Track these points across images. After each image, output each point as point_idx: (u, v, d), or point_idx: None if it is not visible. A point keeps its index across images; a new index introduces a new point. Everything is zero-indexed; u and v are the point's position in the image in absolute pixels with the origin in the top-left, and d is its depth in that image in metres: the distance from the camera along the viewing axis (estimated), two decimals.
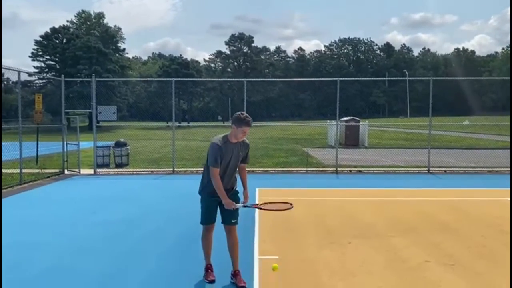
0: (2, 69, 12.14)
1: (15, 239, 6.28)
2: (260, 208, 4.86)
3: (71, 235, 6.55)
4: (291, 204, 4.74)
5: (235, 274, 4.65)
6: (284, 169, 14.73)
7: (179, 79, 37.53)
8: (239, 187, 4.85)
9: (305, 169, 14.57)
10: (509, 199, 9.24)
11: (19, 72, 12.22)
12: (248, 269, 4.98)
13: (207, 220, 4.76)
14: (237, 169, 4.77)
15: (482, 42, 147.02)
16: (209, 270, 4.80)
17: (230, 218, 4.66)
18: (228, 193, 4.63)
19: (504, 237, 6.40)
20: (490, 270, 5.07)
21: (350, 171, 14.21)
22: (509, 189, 10.25)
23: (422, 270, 5.03)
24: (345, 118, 25.81)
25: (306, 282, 4.72)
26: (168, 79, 16.83)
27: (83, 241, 6.25)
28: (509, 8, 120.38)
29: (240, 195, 4.83)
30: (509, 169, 13.89)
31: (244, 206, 4.73)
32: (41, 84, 59.84)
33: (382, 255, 5.58)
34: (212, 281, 4.67)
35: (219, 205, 4.70)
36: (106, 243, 6.13)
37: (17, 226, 7.11)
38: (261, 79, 65.23)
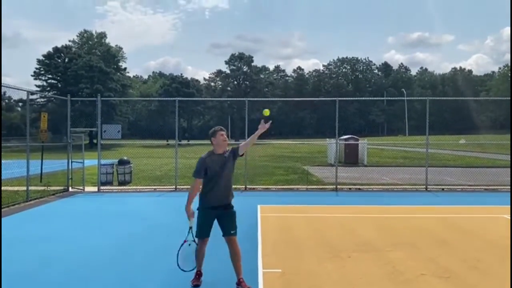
0: (5, 87, 12.43)
1: (25, 254, 6.52)
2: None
3: (79, 250, 6.77)
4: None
5: (239, 283, 4.91)
6: (284, 186, 14.98)
7: (182, 98, 37.97)
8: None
9: (305, 186, 14.82)
10: (505, 216, 9.52)
11: (28, 92, 12.55)
12: (253, 282, 5.20)
13: (202, 233, 5.00)
14: (231, 185, 5.03)
15: (479, 62, 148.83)
16: (197, 276, 5.09)
17: (229, 229, 4.94)
18: (225, 210, 4.91)
19: (498, 251, 6.65)
20: (483, 282, 5.31)
21: (350, 188, 14.46)
22: (505, 206, 10.53)
23: (419, 282, 5.28)
24: (345, 137, 26.17)
25: None
26: (171, 98, 17.21)
27: (90, 256, 6.47)
28: (506, 28, 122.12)
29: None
30: (506, 186, 14.18)
31: (190, 228, 5.03)
32: (42, 103, 60.34)
33: (380, 268, 5.82)
34: (196, 286, 4.98)
35: (217, 219, 4.97)
36: (113, 259, 6.35)
37: (26, 241, 7.34)
38: (262, 99, 65.81)
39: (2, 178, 14.80)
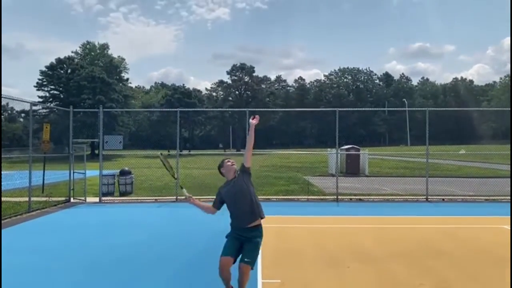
0: (8, 98, 12.53)
1: (28, 264, 6.58)
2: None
3: (82, 260, 6.82)
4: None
5: None
6: (285, 197, 15.01)
7: (184, 109, 38.19)
8: None
9: (306, 197, 14.86)
10: (505, 226, 9.54)
11: (30, 103, 12.67)
12: None
13: (224, 251, 4.94)
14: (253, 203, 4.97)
15: (481, 72, 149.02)
16: None
17: (244, 256, 4.81)
18: (251, 233, 4.90)
19: (497, 262, 6.68)
20: None
21: (351, 199, 14.49)
22: (505, 216, 10.55)
23: None
24: (346, 147, 26.22)
25: None
26: (173, 109, 17.35)
27: (93, 265, 6.53)
28: (507, 39, 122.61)
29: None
30: (506, 197, 14.19)
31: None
32: (44, 114, 60.60)
33: (379, 278, 5.86)
34: None
35: (243, 244, 4.91)
36: (116, 268, 6.42)
37: (29, 252, 7.40)
38: (263, 109, 66.15)
39: (4, 189, 14.92)
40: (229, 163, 5.10)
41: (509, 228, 9.23)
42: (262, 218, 5.02)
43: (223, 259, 4.85)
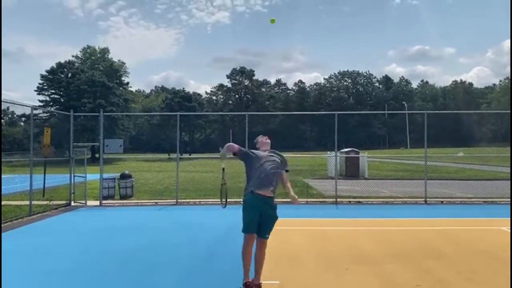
0: (8, 103, 12.62)
1: (30, 268, 6.65)
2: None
3: (84, 263, 6.88)
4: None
5: (259, 286, 5.21)
6: (284, 199, 15.03)
7: (184, 113, 38.29)
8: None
9: (305, 199, 14.92)
10: (503, 228, 9.61)
11: (31, 107, 12.76)
12: None
13: (248, 228, 5.18)
14: (278, 181, 5.38)
15: (480, 74, 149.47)
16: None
17: (265, 232, 5.17)
18: (266, 200, 5.22)
19: (495, 263, 6.75)
20: None
21: (350, 201, 14.55)
22: (504, 218, 10.63)
23: None
24: (345, 150, 26.30)
25: None
26: (174, 113, 17.47)
27: (95, 269, 6.59)
28: (506, 41, 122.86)
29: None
30: (505, 199, 14.27)
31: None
32: (45, 118, 60.75)
33: (377, 279, 5.93)
34: None
35: (260, 217, 5.17)
36: (118, 271, 6.48)
37: (31, 255, 7.47)
38: (263, 113, 66.33)
39: (5, 192, 15.00)
40: (263, 139, 5.64)
41: (508, 229, 9.30)
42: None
43: (251, 237, 5.17)
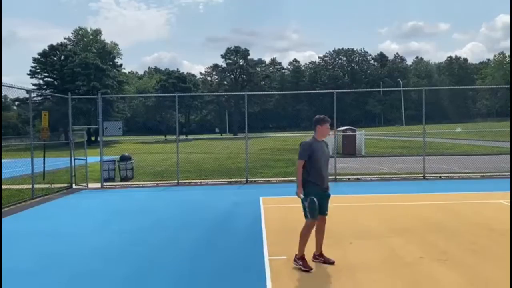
0: (6, 86, 12.49)
1: (37, 249, 6.74)
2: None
3: (88, 245, 6.98)
4: None
5: (320, 255, 5.73)
6: (284, 178, 15.20)
7: (182, 94, 38.16)
8: None
9: None
10: (501, 201, 9.78)
11: (28, 91, 12.66)
12: (260, 268, 5.46)
13: (320, 210, 5.63)
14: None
15: (474, 50, 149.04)
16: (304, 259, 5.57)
17: (325, 210, 5.66)
18: (326, 192, 5.67)
19: (494, 234, 6.92)
20: (479, 264, 5.56)
21: (349, 179, 14.70)
22: (501, 192, 10.81)
23: (417, 265, 5.53)
24: (342, 128, 26.38)
25: (313, 277, 5.22)
26: (171, 94, 17.37)
27: (102, 249, 6.69)
28: (500, 16, 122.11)
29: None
30: (502, 173, 14.46)
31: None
32: (39, 101, 60.25)
33: (380, 253, 6.07)
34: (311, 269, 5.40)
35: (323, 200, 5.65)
36: (122, 251, 6.57)
37: (36, 237, 7.56)
38: (261, 92, 66.05)
39: (5, 177, 15.04)
40: (329, 128, 5.65)
41: (507, 202, 9.48)
42: None
43: (321, 218, 5.69)
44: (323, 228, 5.73)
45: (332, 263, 5.57)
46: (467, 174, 15.07)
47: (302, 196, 5.56)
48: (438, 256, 5.84)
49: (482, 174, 14.80)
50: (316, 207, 5.52)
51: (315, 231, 5.67)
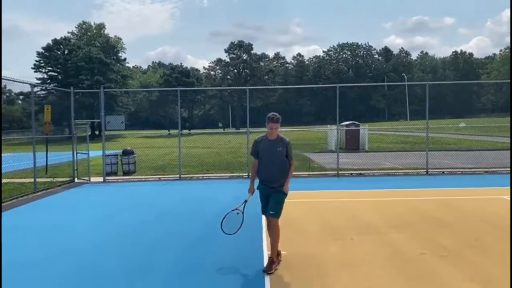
0: (8, 80, 12.49)
1: (39, 243, 6.75)
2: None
3: (92, 237, 6.99)
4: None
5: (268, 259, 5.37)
6: None
7: (185, 88, 38.08)
8: None
9: (307, 173, 15.01)
10: (504, 197, 9.70)
11: (31, 85, 12.66)
12: (258, 263, 5.44)
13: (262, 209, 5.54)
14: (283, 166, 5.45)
15: (480, 44, 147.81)
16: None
17: (268, 209, 5.36)
18: (269, 185, 5.35)
19: (497, 231, 6.86)
20: (481, 259, 5.52)
21: (351, 174, 14.64)
22: (504, 187, 10.72)
23: (418, 260, 5.49)
24: (345, 123, 26.26)
25: (312, 272, 5.18)
26: (173, 88, 17.34)
27: (104, 242, 6.70)
28: (506, 11, 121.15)
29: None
30: (505, 168, 14.35)
31: (245, 201, 5.49)
32: (43, 95, 60.36)
33: (382, 248, 6.03)
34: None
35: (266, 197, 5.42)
36: (126, 243, 6.59)
37: (38, 230, 7.57)
38: (263, 87, 65.89)
39: (7, 170, 15.07)
40: (273, 127, 5.32)
41: (509, 198, 9.40)
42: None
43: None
44: (272, 229, 5.35)
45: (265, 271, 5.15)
46: (471, 170, 14.97)
47: (249, 194, 5.50)
48: (439, 252, 5.80)
49: (485, 170, 14.70)
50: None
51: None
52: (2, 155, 10.95)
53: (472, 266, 5.28)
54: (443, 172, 14.54)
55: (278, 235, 5.34)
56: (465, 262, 5.42)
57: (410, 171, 14.89)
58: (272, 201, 5.28)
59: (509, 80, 18.17)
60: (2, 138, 11.56)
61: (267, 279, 4.97)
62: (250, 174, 5.51)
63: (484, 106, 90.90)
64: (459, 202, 9.35)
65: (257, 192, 5.51)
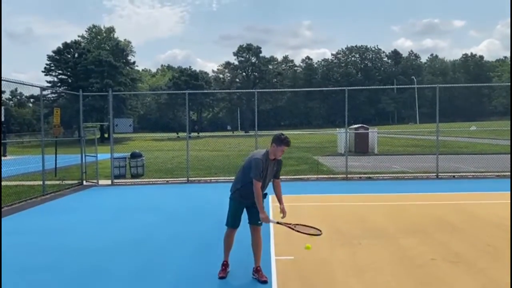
0: (18, 83, 12.60)
1: (46, 245, 6.73)
2: (291, 228, 5.10)
3: (101, 240, 6.95)
4: (320, 230, 5.00)
5: (257, 270, 5.09)
6: (295, 176, 15.07)
7: (193, 91, 38.19)
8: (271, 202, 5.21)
9: (315, 176, 14.91)
10: None
11: (41, 88, 12.74)
12: (267, 268, 5.35)
13: (233, 223, 5.18)
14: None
15: (491, 47, 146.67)
16: (224, 267, 5.22)
17: (256, 219, 5.07)
18: (250, 200, 5.01)
19: (509, 236, 6.69)
20: (492, 266, 5.38)
21: (360, 177, 14.52)
22: None
23: (428, 267, 5.38)
24: (355, 126, 26.10)
25: (320, 278, 5.10)
26: (182, 91, 17.36)
27: (112, 245, 6.65)
28: None
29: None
30: None
31: (278, 223, 5.11)
32: (53, 98, 60.91)
33: (391, 254, 5.92)
34: (222, 278, 5.10)
35: (246, 208, 5.15)
36: (132, 247, 6.54)
37: (45, 233, 7.56)
38: (272, 90, 65.84)
39: (16, 173, 15.17)
40: (285, 150, 5.01)
41: None
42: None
43: (235, 231, 5.24)
44: (256, 240, 5.18)
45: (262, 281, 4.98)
46: (482, 174, 14.76)
47: (272, 221, 5.18)
48: (450, 258, 5.67)
49: (497, 174, 14.48)
50: (231, 214, 5.15)
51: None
52: (12, 158, 11.00)
53: (483, 273, 5.15)
54: (453, 176, 14.35)
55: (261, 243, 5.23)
56: (477, 268, 5.29)
57: (420, 175, 14.73)
58: (256, 211, 5.00)
59: (510, 84, 17.94)
60: (13, 140, 11.67)
61: (274, 284, 4.89)
62: (258, 199, 4.89)
63: (495, 109, 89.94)
64: (470, 207, 9.20)
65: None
